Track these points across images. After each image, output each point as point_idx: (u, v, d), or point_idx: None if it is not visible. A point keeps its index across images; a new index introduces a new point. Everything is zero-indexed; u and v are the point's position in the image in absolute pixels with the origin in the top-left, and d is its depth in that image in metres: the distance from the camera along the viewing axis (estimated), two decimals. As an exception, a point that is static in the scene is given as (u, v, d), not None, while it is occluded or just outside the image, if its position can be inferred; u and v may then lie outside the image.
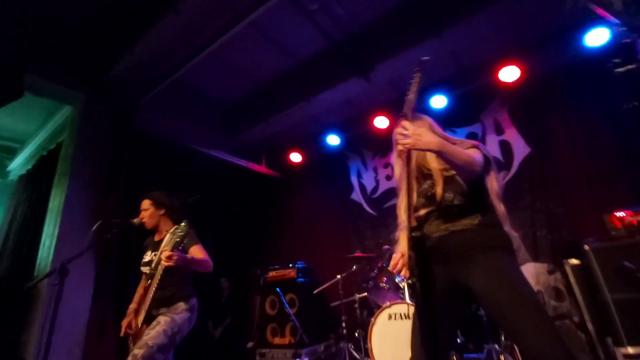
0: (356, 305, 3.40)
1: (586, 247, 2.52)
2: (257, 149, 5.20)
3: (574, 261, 2.67)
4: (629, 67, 0.72)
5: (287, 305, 3.51)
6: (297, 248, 5.20)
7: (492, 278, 1.30)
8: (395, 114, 4.26)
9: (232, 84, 4.26)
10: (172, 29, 2.93)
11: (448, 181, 1.48)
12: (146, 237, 2.52)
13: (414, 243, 1.39)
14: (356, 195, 5.04)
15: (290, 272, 4.10)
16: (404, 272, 1.42)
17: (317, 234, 5.19)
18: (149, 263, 2.30)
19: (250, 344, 3.99)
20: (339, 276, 3.49)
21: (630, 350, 2.21)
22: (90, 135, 3.58)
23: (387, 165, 4.83)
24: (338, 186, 5.21)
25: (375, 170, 4.95)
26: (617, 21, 0.79)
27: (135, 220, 2.40)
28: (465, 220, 1.41)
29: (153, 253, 2.31)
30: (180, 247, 2.05)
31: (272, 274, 4.24)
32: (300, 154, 5.23)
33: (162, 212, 2.44)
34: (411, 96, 1.41)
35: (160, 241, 2.28)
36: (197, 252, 2.24)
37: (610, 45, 3.10)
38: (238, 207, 5.65)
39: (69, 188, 3.33)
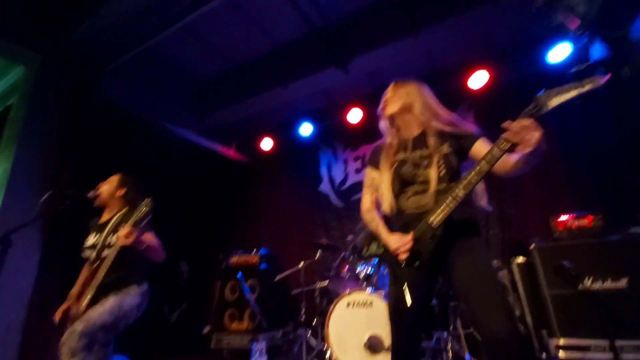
0: (316, 294, 3.46)
1: (531, 246, 2.72)
2: (228, 131, 5.07)
3: (520, 259, 2.87)
4: (581, 66, 0.79)
5: (247, 290, 3.49)
6: (262, 235, 5.17)
7: (471, 260, 1.39)
8: (371, 108, 4.39)
9: (206, 62, 4.10)
10: (143, -6, 2.77)
11: (442, 160, 1.53)
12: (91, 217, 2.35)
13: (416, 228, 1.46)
14: (325, 186, 5.08)
15: (254, 258, 4.07)
16: (404, 257, 1.45)
17: (284, 222, 5.19)
18: (93, 246, 2.15)
19: (206, 329, 3.93)
20: (302, 263, 3.52)
21: (562, 341, 2.42)
22: (45, 99, 3.29)
23: (358, 158, 4.91)
24: (307, 176, 5.23)
25: (345, 162, 5.01)
26: (577, 25, 0.85)
27: (90, 194, 2.26)
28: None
29: (98, 235, 2.17)
30: (141, 224, 1.93)
31: (234, 259, 4.19)
32: (272, 141, 5.17)
33: (122, 192, 2.31)
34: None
35: (107, 223, 2.14)
36: (149, 237, 2.11)
37: (568, 62, 3.34)
38: (204, 190, 5.50)
39: (16, 155, 3.06)
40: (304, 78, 3.80)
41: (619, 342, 2.21)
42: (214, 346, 3.69)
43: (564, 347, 2.41)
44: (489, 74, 3.76)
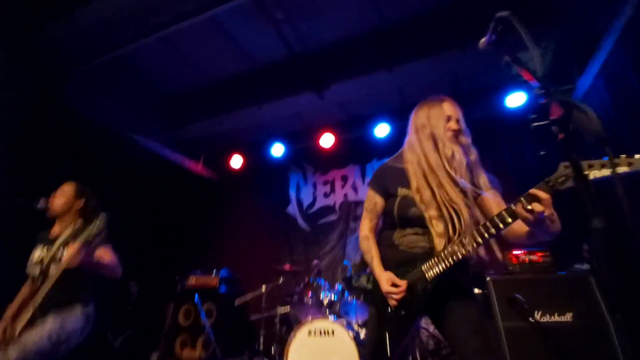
0: (277, 320, 3.33)
1: (487, 278, 2.84)
2: (197, 146, 4.94)
3: (477, 291, 2.98)
4: (543, 123, 0.86)
5: (203, 315, 3.29)
6: (224, 255, 4.98)
7: (464, 313, 1.36)
8: (343, 134, 4.50)
9: (181, 75, 4.02)
10: (124, 1, 2.70)
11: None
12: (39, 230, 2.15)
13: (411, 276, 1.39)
14: (292, 209, 5.04)
15: (213, 280, 3.88)
16: (394, 304, 1.39)
17: (248, 243, 5.04)
18: (40, 262, 1.97)
19: (154, 357, 3.63)
20: (264, 287, 3.40)
21: (516, 373, 2.51)
22: (3, 98, 3.05)
23: (327, 182, 4.95)
24: (275, 197, 5.17)
25: (314, 186, 5.03)
26: (537, 85, 0.94)
27: (41, 204, 2.07)
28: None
29: (46, 249, 1.99)
30: (93, 242, 1.78)
31: (192, 280, 3.96)
32: (242, 158, 5.09)
33: (80, 204, 2.14)
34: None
35: (57, 238, 1.98)
36: (106, 253, 1.96)
37: (524, 108, 3.67)
38: (165, 205, 5.22)
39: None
40: (279, 100, 3.84)
41: (565, 375, 2.32)
42: (161, 376, 3.40)
43: (516, 380, 2.49)
44: (454, 113, 4.01)
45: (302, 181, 5.15)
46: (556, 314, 2.57)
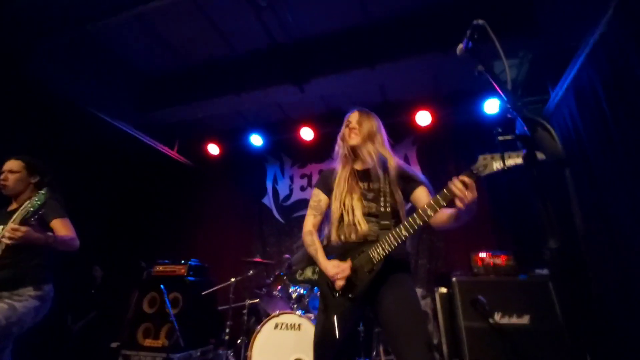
0: (245, 311, 3.31)
1: (453, 279, 2.92)
2: (172, 131, 4.77)
3: (443, 290, 3.06)
4: (507, 137, 0.87)
5: (169, 304, 3.22)
6: (195, 244, 4.88)
7: (400, 296, 1.45)
8: (322, 129, 4.47)
9: (156, 56, 3.84)
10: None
11: (388, 197, 1.60)
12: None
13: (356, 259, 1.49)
14: (268, 200, 4.99)
15: (181, 269, 3.80)
16: (341, 284, 1.46)
17: (220, 232, 4.95)
18: None
19: (114, 344, 3.52)
20: (233, 279, 3.36)
21: (472, 371, 2.61)
22: None
23: (304, 176, 4.92)
24: (252, 187, 5.10)
25: (291, 178, 4.99)
26: (505, 98, 0.95)
27: None
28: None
29: (1, 227, 1.91)
30: (32, 219, 1.74)
31: (159, 268, 3.86)
32: (218, 147, 4.97)
33: (35, 180, 2.06)
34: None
35: (13, 212, 1.90)
36: (59, 226, 1.94)
37: (499, 116, 3.76)
38: (135, 188, 5.05)
39: None
40: (259, 90, 3.74)
41: (518, 374, 2.43)
42: (121, 364, 3.31)
43: (473, 377, 2.59)
44: (432, 115, 4.07)
45: (279, 173, 5.09)
46: (515, 316, 2.68)
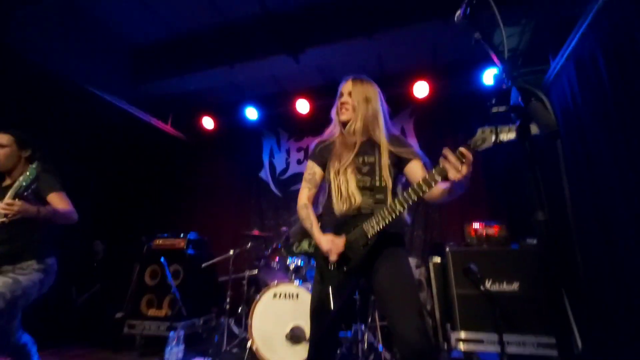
0: (244, 282, 3.41)
1: (447, 249, 3.00)
2: (165, 105, 4.67)
3: (436, 259, 3.15)
4: (501, 109, 0.86)
5: (170, 276, 3.30)
6: (194, 218, 4.93)
7: (394, 269, 1.48)
8: (319, 101, 4.40)
9: (147, 27, 3.68)
10: None
11: (383, 170, 1.58)
12: None
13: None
14: (264, 174, 5.00)
15: (180, 242, 3.86)
16: (334, 259, 1.48)
17: (218, 206, 5.00)
18: None
19: (119, 314, 3.65)
20: (231, 251, 3.43)
21: (462, 334, 2.74)
22: None
23: (301, 149, 4.90)
24: (248, 161, 5.08)
25: (287, 152, 4.97)
26: (501, 67, 0.93)
27: None
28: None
29: None
30: (25, 194, 1.75)
31: (158, 242, 3.92)
32: (213, 121, 4.90)
33: (26, 154, 2.04)
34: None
35: (8, 188, 1.90)
36: (55, 200, 1.94)
37: (496, 87, 3.70)
38: (133, 164, 5.03)
39: None
40: (252, 61, 3.63)
41: (506, 337, 2.55)
42: (127, 332, 3.44)
43: (463, 340, 2.73)
44: (430, 86, 3.99)
45: (275, 147, 5.07)
46: (505, 283, 2.78)
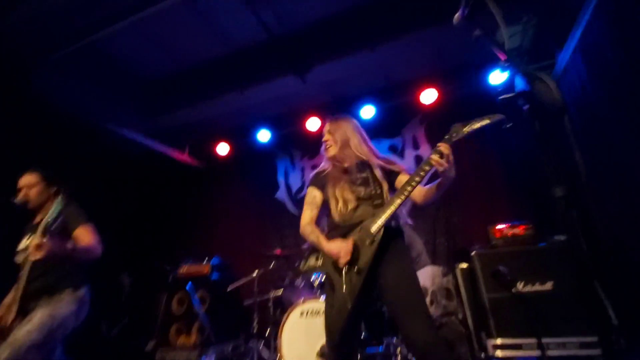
0: (270, 304, 3.39)
1: (473, 252, 2.92)
2: (180, 134, 4.84)
3: (463, 265, 3.07)
4: (507, 95, 0.89)
5: (197, 302, 3.33)
6: (214, 244, 4.98)
7: (399, 271, 1.57)
8: (328, 117, 4.44)
9: (157, 61, 3.89)
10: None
11: (377, 181, 1.78)
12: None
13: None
14: (281, 194, 5.05)
15: (205, 268, 3.90)
16: (345, 260, 1.53)
17: (238, 229, 5.05)
18: (24, 250, 1.97)
19: (150, 345, 3.67)
20: (255, 272, 3.44)
21: (499, 341, 2.62)
22: None
23: (315, 166, 4.94)
24: (264, 183, 5.15)
25: (302, 170, 5.03)
26: (504, 57, 0.95)
27: (18, 199, 2.05)
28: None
29: (30, 237, 2.00)
30: (52, 228, 1.80)
31: (184, 269, 3.98)
32: (228, 145, 5.03)
33: (53, 190, 2.14)
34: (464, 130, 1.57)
35: (39, 224, 1.99)
36: (82, 234, 1.98)
37: (504, 86, 3.69)
38: (151, 196, 5.19)
39: None
40: (261, 84, 3.76)
41: (545, 340, 2.43)
42: (158, 363, 3.45)
43: (500, 347, 2.61)
44: (438, 91, 4.02)
45: (289, 166, 5.14)
46: (538, 283, 2.68)
